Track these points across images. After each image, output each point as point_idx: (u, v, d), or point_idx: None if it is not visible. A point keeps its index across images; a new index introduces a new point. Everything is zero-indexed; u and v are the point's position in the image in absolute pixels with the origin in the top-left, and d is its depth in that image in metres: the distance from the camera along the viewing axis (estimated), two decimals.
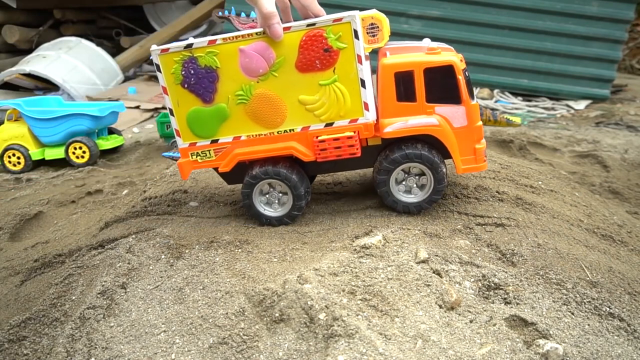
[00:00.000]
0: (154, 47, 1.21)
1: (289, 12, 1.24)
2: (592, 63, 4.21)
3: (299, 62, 1.20)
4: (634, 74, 5.74)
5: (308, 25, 1.16)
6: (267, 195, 1.33)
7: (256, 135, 1.27)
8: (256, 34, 1.18)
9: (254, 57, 1.20)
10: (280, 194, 1.32)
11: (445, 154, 1.26)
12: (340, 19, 1.15)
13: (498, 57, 4.27)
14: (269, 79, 1.22)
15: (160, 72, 1.22)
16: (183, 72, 1.22)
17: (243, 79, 1.22)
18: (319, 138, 1.23)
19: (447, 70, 1.20)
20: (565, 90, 4.28)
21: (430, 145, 1.25)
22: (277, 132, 1.26)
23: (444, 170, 1.26)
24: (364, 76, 1.20)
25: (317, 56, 1.19)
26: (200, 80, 1.23)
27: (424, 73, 1.20)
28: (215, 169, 1.35)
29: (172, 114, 1.27)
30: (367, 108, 1.22)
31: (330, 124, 1.24)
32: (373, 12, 1.17)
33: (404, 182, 1.29)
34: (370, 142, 1.28)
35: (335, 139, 1.23)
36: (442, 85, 1.21)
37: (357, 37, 1.16)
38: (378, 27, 1.17)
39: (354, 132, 1.23)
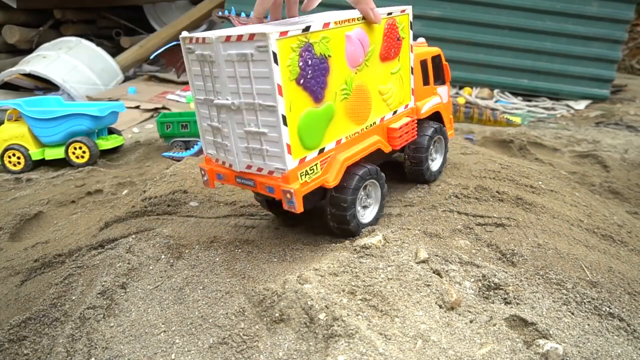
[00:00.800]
0: (267, 28, 0.92)
1: (280, 9, 1.18)
2: (592, 63, 4.21)
3: (382, 50, 1.18)
4: (634, 74, 5.74)
5: (388, 13, 1.18)
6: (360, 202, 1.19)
7: (353, 134, 1.13)
8: (357, 19, 1.08)
9: (357, 44, 1.08)
10: (366, 196, 1.21)
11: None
12: (404, 10, 1.24)
13: (498, 57, 4.28)
14: (362, 70, 1.11)
15: (277, 63, 0.91)
16: (301, 64, 0.96)
17: (346, 71, 1.07)
18: (395, 126, 1.25)
19: (439, 57, 1.49)
20: (565, 90, 4.28)
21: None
22: (366, 128, 1.16)
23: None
24: (412, 64, 1.29)
25: (393, 44, 1.20)
26: (315, 74, 1.00)
27: (431, 60, 1.44)
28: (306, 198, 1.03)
29: (285, 122, 0.95)
30: (413, 93, 1.32)
31: (395, 112, 1.27)
32: None
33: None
34: None
35: (406, 124, 1.27)
36: (438, 70, 1.48)
37: (411, 27, 1.27)
38: None
39: (410, 116, 1.31)
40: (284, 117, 0.94)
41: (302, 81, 0.97)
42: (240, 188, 1.12)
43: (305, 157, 1.02)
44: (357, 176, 1.12)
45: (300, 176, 1.01)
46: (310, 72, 0.98)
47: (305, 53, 0.96)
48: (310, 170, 1.03)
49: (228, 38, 0.94)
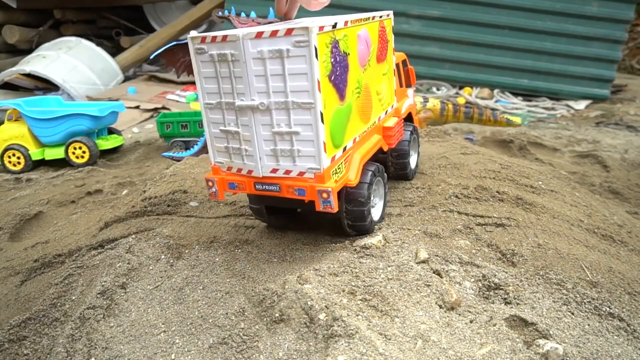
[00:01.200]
0: (307, 22, 0.92)
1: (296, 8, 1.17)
2: (592, 63, 4.21)
3: (378, 51, 1.20)
4: (634, 74, 5.74)
5: (380, 16, 1.21)
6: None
7: (362, 133, 1.13)
8: (364, 19, 1.09)
9: (365, 44, 1.10)
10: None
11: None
12: (388, 15, 1.28)
13: (498, 57, 4.27)
14: (367, 70, 1.13)
15: (317, 58, 0.90)
16: (332, 60, 0.95)
17: (358, 70, 1.08)
18: (390, 124, 1.28)
19: (406, 61, 1.56)
20: (565, 90, 4.28)
21: None
22: (369, 127, 1.18)
23: None
24: (394, 66, 1.33)
25: (385, 46, 1.24)
26: (341, 71, 0.99)
27: (402, 63, 1.54)
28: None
29: (322, 120, 0.94)
30: (395, 94, 1.36)
31: (386, 112, 1.30)
32: None
33: None
34: None
35: (397, 123, 1.31)
36: (406, 72, 1.57)
37: (392, 31, 1.31)
38: None
39: (396, 116, 1.36)
40: (321, 114, 0.92)
41: (332, 78, 0.95)
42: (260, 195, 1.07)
43: (334, 156, 1.00)
44: (370, 172, 1.12)
45: (332, 175, 1.00)
46: (338, 69, 0.97)
47: (335, 49, 0.95)
48: (338, 169, 1.02)
49: (259, 34, 0.90)
